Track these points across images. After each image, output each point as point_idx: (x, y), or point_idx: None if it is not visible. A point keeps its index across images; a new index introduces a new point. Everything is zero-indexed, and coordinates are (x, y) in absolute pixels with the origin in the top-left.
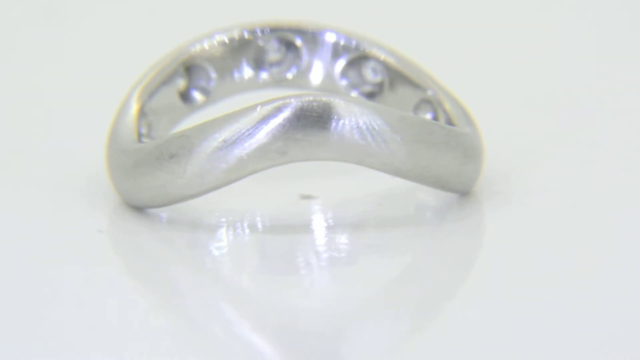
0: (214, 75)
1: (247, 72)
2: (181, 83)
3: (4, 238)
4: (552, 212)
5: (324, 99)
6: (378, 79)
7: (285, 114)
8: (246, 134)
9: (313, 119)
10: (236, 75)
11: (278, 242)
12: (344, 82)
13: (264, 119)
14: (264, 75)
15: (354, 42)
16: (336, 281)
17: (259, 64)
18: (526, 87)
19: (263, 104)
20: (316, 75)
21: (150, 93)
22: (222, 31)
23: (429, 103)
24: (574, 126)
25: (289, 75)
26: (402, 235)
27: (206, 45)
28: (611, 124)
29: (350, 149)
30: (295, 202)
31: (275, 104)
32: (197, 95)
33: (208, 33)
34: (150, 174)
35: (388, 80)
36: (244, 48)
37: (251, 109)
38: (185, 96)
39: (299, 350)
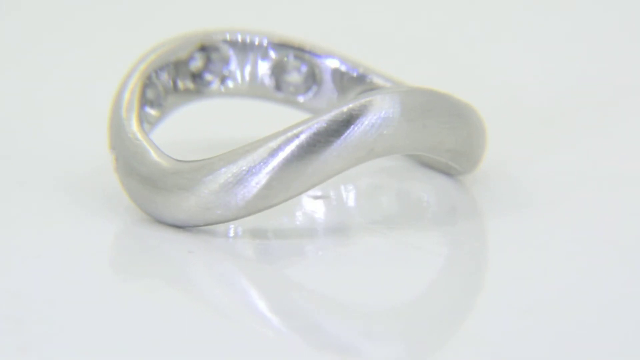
0: (162, 89)
1: (188, 82)
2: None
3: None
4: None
5: (400, 93)
6: (303, 75)
7: (373, 111)
8: (334, 135)
9: (398, 113)
10: (180, 86)
11: (292, 244)
12: (270, 84)
13: (353, 118)
14: (200, 84)
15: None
16: (352, 282)
17: (194, 75)
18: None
19: (349, 102)
20: (245, 78)
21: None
22: (162, 44)
23: None
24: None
25: (221, 85)
26: (413, 236)
27: (153, 60)
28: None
29: (427, 138)
30: (308, 202)
31: (362, 102)
32: (150, 111)
33: (153, 47)
34: (224, 190)
35: (319, 75)
36: (181, 59)
37: (335, 108)
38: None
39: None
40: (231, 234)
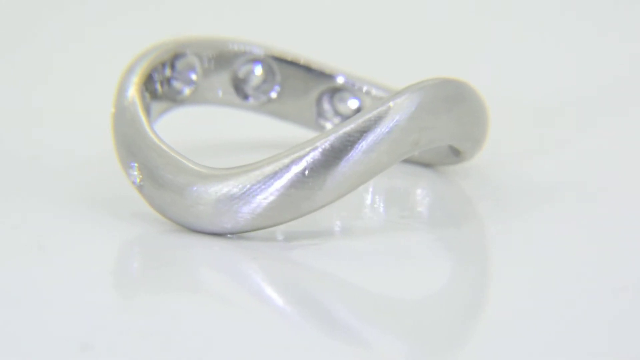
0: (148, 99)
1: (164, 91)
2: None
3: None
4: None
5: (437, 85)
6: (261, 76)
7: (416, 103)
8: (381, 130)
9: (438, 104)
10: (159, 95)
11: (302, 247)
12: (236, 94)
13: (398, 112)
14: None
15: (251, 48)
16: (358, 281)
17: (168, 83)
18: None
19: (393, 97)
20: (211, 87)
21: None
22: (145, 54)
23: (346, 90)
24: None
25: (192, 93)
26: (416, 234)
27: (141, 72)
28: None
29: (461, 128)
30: None
31: (405, 96)
32: None
33: (137, 58)
34: (275, 194)
35: (279, 77)
36: (158, 69)
37: (379, 105)
38: None
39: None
40: (251, 235)
